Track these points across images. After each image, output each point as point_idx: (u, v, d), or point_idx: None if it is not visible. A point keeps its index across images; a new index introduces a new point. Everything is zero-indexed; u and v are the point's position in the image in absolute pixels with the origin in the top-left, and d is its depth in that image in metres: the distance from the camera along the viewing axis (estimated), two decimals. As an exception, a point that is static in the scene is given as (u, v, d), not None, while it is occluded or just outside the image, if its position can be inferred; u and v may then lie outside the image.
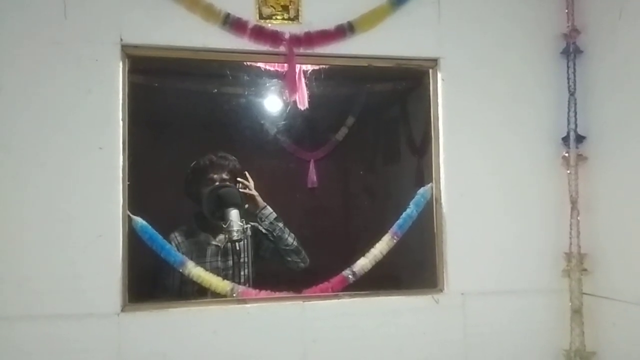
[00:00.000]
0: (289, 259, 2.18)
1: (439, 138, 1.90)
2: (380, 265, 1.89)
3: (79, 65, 1.65)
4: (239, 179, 2.16)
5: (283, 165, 3.05)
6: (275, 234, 2.15)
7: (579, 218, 1.88)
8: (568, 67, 1.91)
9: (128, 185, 1.69)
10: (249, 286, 1.93)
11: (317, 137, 3.06)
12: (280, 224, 2.16)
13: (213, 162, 2.14)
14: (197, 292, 1.86)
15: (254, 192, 2.16)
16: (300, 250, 2.20)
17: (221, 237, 2.13)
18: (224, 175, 2.13)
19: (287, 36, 1.78)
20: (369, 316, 1.81)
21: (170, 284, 1.99)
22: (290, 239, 2.18)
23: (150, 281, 2.03)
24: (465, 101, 1.90)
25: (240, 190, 2.10)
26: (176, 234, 2.09)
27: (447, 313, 1.85)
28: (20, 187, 1.60)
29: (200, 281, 1.77)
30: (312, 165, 3.03)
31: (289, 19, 1.79)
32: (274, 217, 2.16)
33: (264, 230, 2.16)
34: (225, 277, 1.93)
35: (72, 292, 1.61)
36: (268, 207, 2.17)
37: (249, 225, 2.13)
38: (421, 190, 1.93)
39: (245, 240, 2.14)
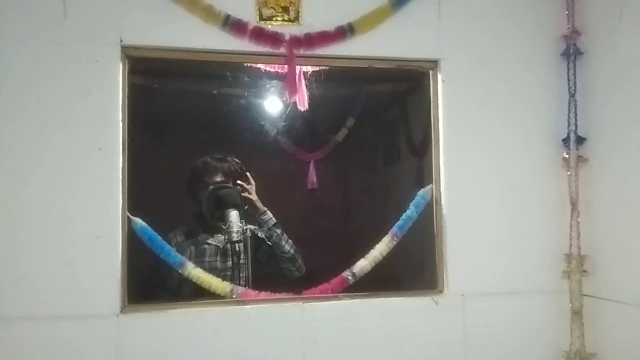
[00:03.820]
0: (284, 266, 2.16)
1: (439, 139, 1.90)
2: (380, 267, 1.89)
3: (79, 66, 1.64)
4: (238, 182, 2.15)
5: (283, 166, 3.05)
6: (272, 240, 2.14)
7: (579, 219, 1.87)
8: (568, 68, 1.91)
9: (127, 186, 1.69)
10: (248, 287, 1.93)
11: (317, 138, 3.06)
12: (279, 231, 2.15)
13: (207, 164, 2.13)
14: (196, 293, 1.85)
15: (253, 197, 2.15)
16: (297, 259, 2.18)
17: (220, 237, 2.13)
18: (217, 178, 2.11)
19: (287, 37, 1.78)
20: (368, 317, 1.80)
21: (170, 285, 1.99)
22: (288, 246, 2.17)
23: (150, 282, 2.03)
24: (465, 102, 1.90)
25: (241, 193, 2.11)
26: (175, 234, 2.10)
27: (446, 314, 1.85)
28: (19, 188, 1.59)
29: (199, 282, 1.77)
30: (312, 166, 3.04)
31: (289, 20, 1.79)
32: (272, 222, 2.16)
33: (261, 235, 2.15)
34: (224, 278, 1.93)
35: (71, 293, 1.60)
36: (268, 212, 2.16)
37: (248, 227, 2.13)
38: (421, 192, 1.93)
39: (245, 241, 2.14)
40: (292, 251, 2.17)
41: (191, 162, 2.20)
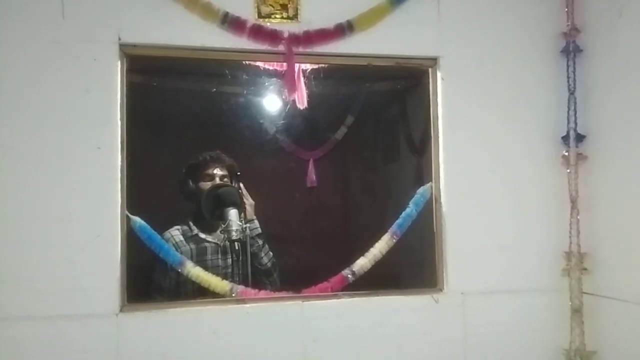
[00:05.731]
0: (258, 277, 2.12)
1: (438, 137, 1.90)
2: (379, 265, 1.88)
3: (77, 65, 1.64)
4: (241, 185, 2.15)
5: (282, 164, 3.05)
6: (252, 250, 2.09)
7: (578, 217, 1.87)
8: (568, 65, 1.91)
9: (126, 185, 1.68)
10: (248, 286, 1.93)
11: (316, 136, 3.06)
12: (260, 241, 2.15)
13: (211, 156, 2.14)
14: (196, 292, 1.85)
15: (252, 202, 2.16)
16: (272, 273, 2.17)
17: (219, 235, 2.12)
18: (219, 171, 2.12)
19: (286, 35, 1.77)
20: (368, 316, 1.80)
21: (168, 284, 1.98)
22: (266, 259, 2.16)
23: (149, 281, 2.02)
24: (465, 100, 1.89)
25: (241, 194, 2.10)
26: (173, 233, 2.08)
27: (446, 312, 1.85)
28: (18, 187, 1.59)
29: (199, 281, 1.77)
30: (311, 165, 3.03)
31: (288, 17, 1.79)
32: (257, 232, 2.16)
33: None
34: (225, 276, 1.93)
35: (70, 293, 1.60)
36: (256, 221, 2.17)
37: (247, 225, 2.12)
38: (421, 190, 1.93)
39: (244, 239, 2.13)
40: (269, 264, 2.17)
41: (188, 160, 2.20)
